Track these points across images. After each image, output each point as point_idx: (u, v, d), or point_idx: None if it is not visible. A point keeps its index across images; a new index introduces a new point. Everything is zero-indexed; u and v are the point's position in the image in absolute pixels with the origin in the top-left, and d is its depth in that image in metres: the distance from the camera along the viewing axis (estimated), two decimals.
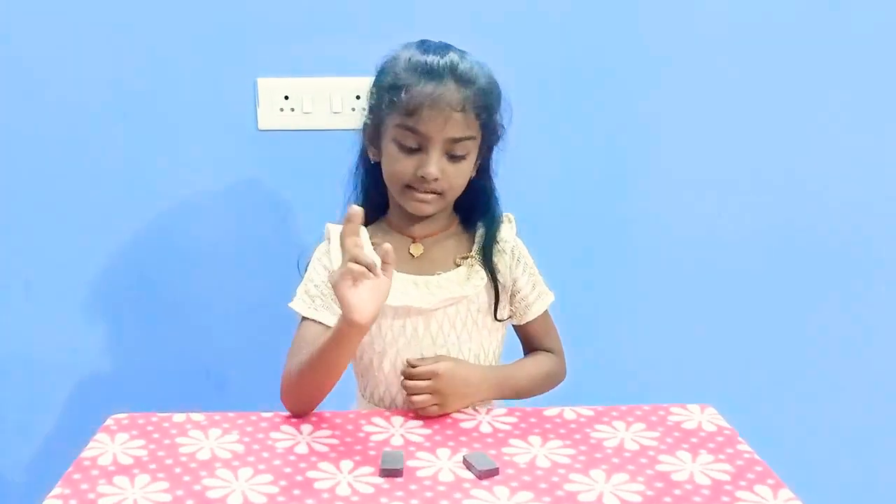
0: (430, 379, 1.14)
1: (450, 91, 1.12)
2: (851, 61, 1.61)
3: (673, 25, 1.58)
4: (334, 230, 1.21)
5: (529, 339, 1.30)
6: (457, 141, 1.14)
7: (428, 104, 1.11)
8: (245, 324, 1.67)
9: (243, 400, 1.59)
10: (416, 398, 1.14)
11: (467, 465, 1.03)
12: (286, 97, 1.58)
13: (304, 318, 1.20)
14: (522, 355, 1.31)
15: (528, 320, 1.27)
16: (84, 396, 1.68)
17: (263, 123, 1.59)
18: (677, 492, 0.97)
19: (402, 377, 1.17)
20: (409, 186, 1.17)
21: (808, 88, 1.62)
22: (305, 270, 1.25)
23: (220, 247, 1.64)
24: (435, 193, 1.17)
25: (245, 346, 1.67)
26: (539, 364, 1.27)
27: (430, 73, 1.13)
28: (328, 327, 1.14)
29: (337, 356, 1.09)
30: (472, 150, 1.17)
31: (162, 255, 1.63)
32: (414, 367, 1.17)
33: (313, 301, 1.20)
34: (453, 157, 1.16)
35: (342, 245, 1.02)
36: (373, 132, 1.20)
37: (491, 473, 1.01)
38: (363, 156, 1.25)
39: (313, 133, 1.58)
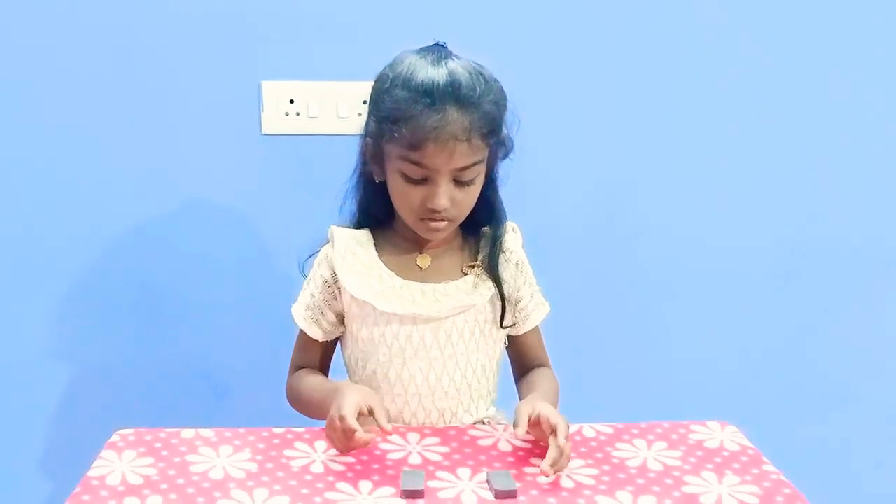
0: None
1: (454, 121, 1.06)
2: (866, 61, 1.61)
3: (682, 31, 1.57)
4: (338, 233, 1.19)
5: (524, 351, 1.27)
6: (464, 169, 1.11)
7: (432, 138, 1.06)
8: (247, 331, 1.63)
9: (245, 409, 1.57)
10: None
11: (489, 482, 1.00)
12: (291, 101, 1.54)
13: None
14: (512, 365, 1.29)
15: (525, 330, 1.25)
16: (81, 405, 1.64)
17: (268, 128, 1.55)
18: None
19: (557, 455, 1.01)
20: (421, 219, 1.14)
21: (820, 92, 1.62)
22: (311, 259, 1.24)
23: (223, 253, 1.60)
24: (446, 221, 1.14)
25: (247, 354, 1.63)
26: (552, 380, 1.25)
27: (431, 101, 1.06)
28: (316, 341, 1.22)
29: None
30: (481, 171, 1.14)
31: (163, 260, 1.60)
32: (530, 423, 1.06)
33: (306, 311, 1.21)
34: (461, 183, 1.12)
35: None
36: (375, 154, 1.16)
37: (509, 495, 0.98)
38: (363, 174, 1.20)
39: (319, 138, 1.55)
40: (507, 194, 1.24)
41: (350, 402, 1.03)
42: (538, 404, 1.05)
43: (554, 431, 1.01)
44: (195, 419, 1.38)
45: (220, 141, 1.56)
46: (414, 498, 0.97)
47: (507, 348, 1.27)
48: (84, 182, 1.55)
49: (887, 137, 1.65)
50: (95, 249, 1.58)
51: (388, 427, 1.04)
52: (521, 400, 1.17)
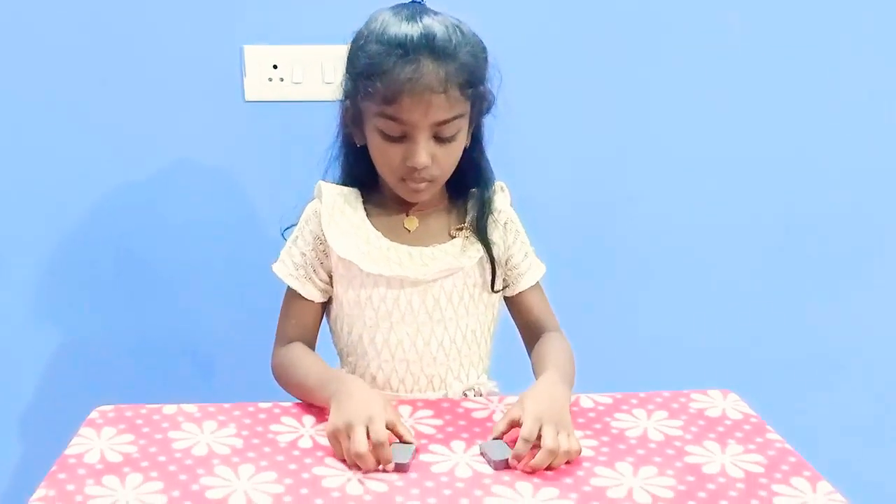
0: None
1: (429, 72, 1.02)
2: (858, 33, 1.57)
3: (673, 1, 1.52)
4: (326, 188, 1.16)
5: (526, 313, 1.22)
6: (443, 123, 1.06)
7: (407, 91, 1.02)
8: (233, 304, 1.59)
9: (233, 386, 1.53)
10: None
11: (483, 454, 0.96)
12: (275, 66, 1.49)
13: (289, 287, 1.17)
14: (520, 333, 1.23)
15: (519, 290, 1.20)
16: (60, 383, 1.59)
17: (251, 94, 1.50)
18: (711, 486, 0.92)
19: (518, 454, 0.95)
20: (401, 178, 1.10)
21: (814, 63, 1.58)
22: (291, 229, 1.19)
23: (206, 223, 1.55)
24: (428, 181, 1.10)
25: (233, 328, 1.59)
26: (563, 348, 1.17)
27: (405, 52, 1.02)
28: (309, 301, 1.16)
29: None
30: (462, 127, 1.09)
31: (143, 232, 1.54)
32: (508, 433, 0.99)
33: (297, 270, 1.16)
34: (442, 140, 1.08)
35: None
36: (353, 117, 1.12)
37: (507, 465, 0.94)
38: (345, 137, 1.17)
39: (304, 104, 1.50)
40: (493, 162, 1.20)
41: (381, 424, 0.93)
42: (528, 408, 0.97)
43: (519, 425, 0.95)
44: (181, 394, 1.34)
45: (201, 108, 1.50)
46: (400, 472, 0.93)
47: (512, 316, 1.23)
48: (63, 149, 1.49)
49: (882, 110, 1.61)
50: (74, 219, 1.53)
51: (416, 443, 0.97)
52: (534, 373, 1.13)
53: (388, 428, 0.95)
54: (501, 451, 0.96)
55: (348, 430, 0.94)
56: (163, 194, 1.53)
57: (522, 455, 0.94)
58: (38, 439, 1.58)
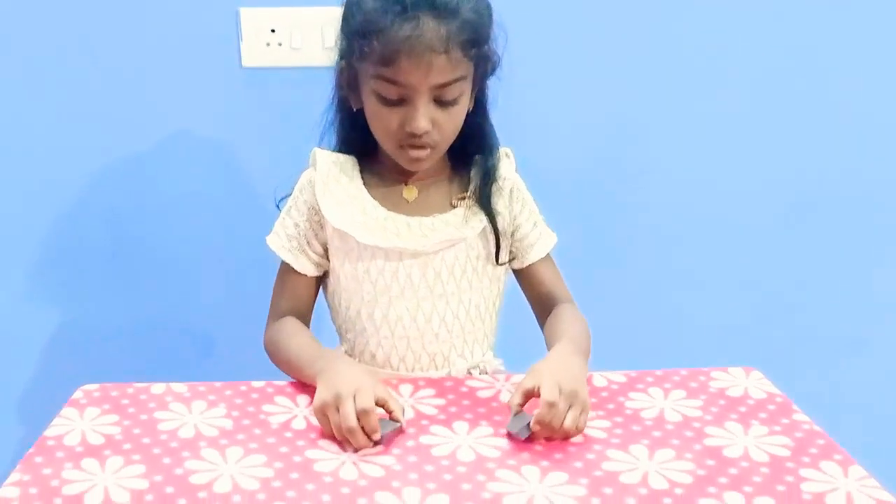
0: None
1: (429, 30, 0.95)
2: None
3: None
4: (321, 156, 1.10)
5: (537, 286, 1.15)
6: (445, 86, 0.99)
7: (405, 51, 0.95)
8: (232, 278, 1.53)
9: (233, 366, 1.46)
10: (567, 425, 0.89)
11: (510, 434, 0.91)
12: (272, 30, 1.42)
13: (283, 260, 1.11)
14: (531, 307, 1.16)
15: (529, 262, 1.13)
16: (50, 364, 1.54)
17: (248, 60, 1.44)
18: (733, 471, 0.85)
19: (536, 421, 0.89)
20: (400, 145, 1.03)
21: (833, 23, 1.49)
22: (287, 200, 1.13)
23: (202, 195, 1.49)
24: (428, 147, 1.03)
25: (233, 304, 1.53)
26: (577, 320, 1.09)
27: (403, 9, 0.95)
28: (303, 275, 1.10)
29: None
30: (464, 90, 1.02)
31: (137, 203, 1.49)
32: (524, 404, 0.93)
33: (290, 241, 1.10)
34: (443, 103, 1.00)
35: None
36: (349, 80, 1.05)
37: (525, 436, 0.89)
38: (340, 102, 1.10)
39: (303, 70, 1.43)
40: (498, 127, 1.13)
41: (369, 394, 0.88)
42: (544, 374, 0.90)
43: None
44: (179, 373, 1.30)
45: (197, 75, 1.44)
46: (375, 445, 0.88)
47: (522, 289, 1.17)
48: (47, 117, 1.43)
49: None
50: (60, 190, 1.47)
51: (404, 422, 0.91)
52: (547, 348, 1.06)
53: (378, 404, 0.89)
54: (525, 420, 0.90)
55: (337, 402, 0.88)
56: (157, 165, 1.47)
57: (546, 420, 0.87)
58: (31, 421, 1.53)
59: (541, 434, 0.89)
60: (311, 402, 0.97)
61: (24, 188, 1.47)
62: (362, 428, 0.87)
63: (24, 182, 1.46)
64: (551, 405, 0.87)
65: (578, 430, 0.90)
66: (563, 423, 0.88)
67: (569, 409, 0.89)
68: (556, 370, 0.91)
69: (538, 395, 0.89)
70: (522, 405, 0.92)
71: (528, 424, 0.88)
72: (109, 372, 1.32)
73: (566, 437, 0.90)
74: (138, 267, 1.53)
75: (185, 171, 1.48)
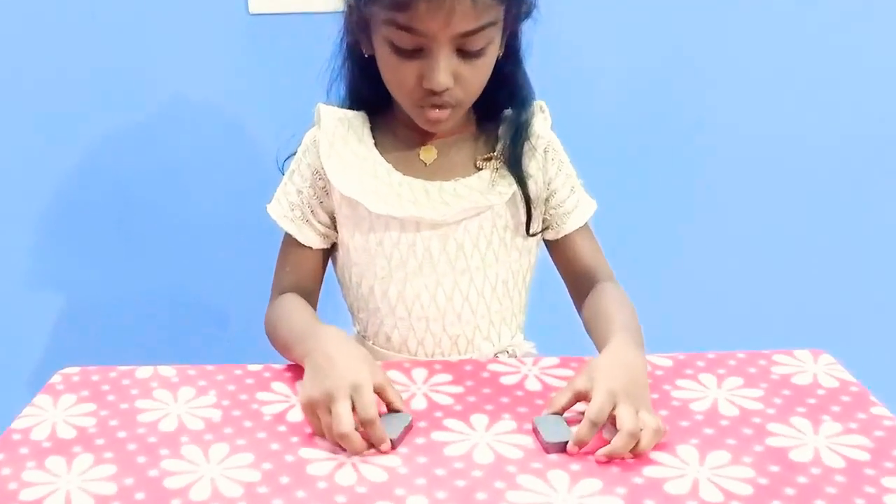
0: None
1: None
2: None
3: None
4: (326, 112, 0.98)
5: (574, 261, 1.01)
6: (469, 34, 0.84)
7: None
8: (244, 247, 1.43)
9: (248, 341, 1.36)
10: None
11: (535, 431, 0.78)
12: None
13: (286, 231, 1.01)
14: (566, 283, 1.03)
15: (565, 232, 1.00)
16: (60, 342, 1.47)
17: (255, 6, 1.34)
18: (802, 479, 0.71)
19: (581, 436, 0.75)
20: (418, 104, 0.89)
21: None
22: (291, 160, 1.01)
23: (211, 151, 1.40)
24: (449, 107, 0.89)
25: (248, 274, 1.42)
26: (623, 302, 0.94)
27: None
28: (307, 248, 0.99)
29: None
30: (493, 39, 0.88)
31: (141, 162, 1.40)
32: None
33: (292, 210, 0.99)
34: (467, 55, 0.86)
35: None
36: (359, 23, 0.90)
37: (562, 448, 0.76)
38: (349, 47, 0.96)
39: (312, 17, 1.32)
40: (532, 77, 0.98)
41: (369, 395, 0.75)
42: (599, 381, 0.77)
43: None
44: (190, 349, 1.20)
45: (203, 23, 1.35)
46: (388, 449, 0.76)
47: (555, 263, 1.03)
48: (45, 72, 1.35)
49: None
50: (59, 150, 1.39)
51: (410, 417, 0.79)
52: (589, 333, 0.93)
53: (375, 392, 0.77)
54: (558, 432, 0.77)
55: (328, 402, 0.75)
56: (161, 122, 1.38)
57: (586, 441, 0.74)
58: (27, 401, 1.46)
59: (597, 458, 0.74)
60: None
61: (27, 153, 1.39)
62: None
63: (27, 145, 1.39)
64: (593, 425, 0.74)
65: (662, 433, 0.75)
66: (625, 441, 0.73)
67: (637, 412, 0.74)
68: (616, 374, 0.77)
69: (588, 400, 0.76)
70: (566, 408, 0.79)
71: (564, 443, 0.75)
72: (115, 348, 1.24)
73: (655, 442, 0.75)
74: (145, 233, 1.44)
75: (192, 123, 1.39)
